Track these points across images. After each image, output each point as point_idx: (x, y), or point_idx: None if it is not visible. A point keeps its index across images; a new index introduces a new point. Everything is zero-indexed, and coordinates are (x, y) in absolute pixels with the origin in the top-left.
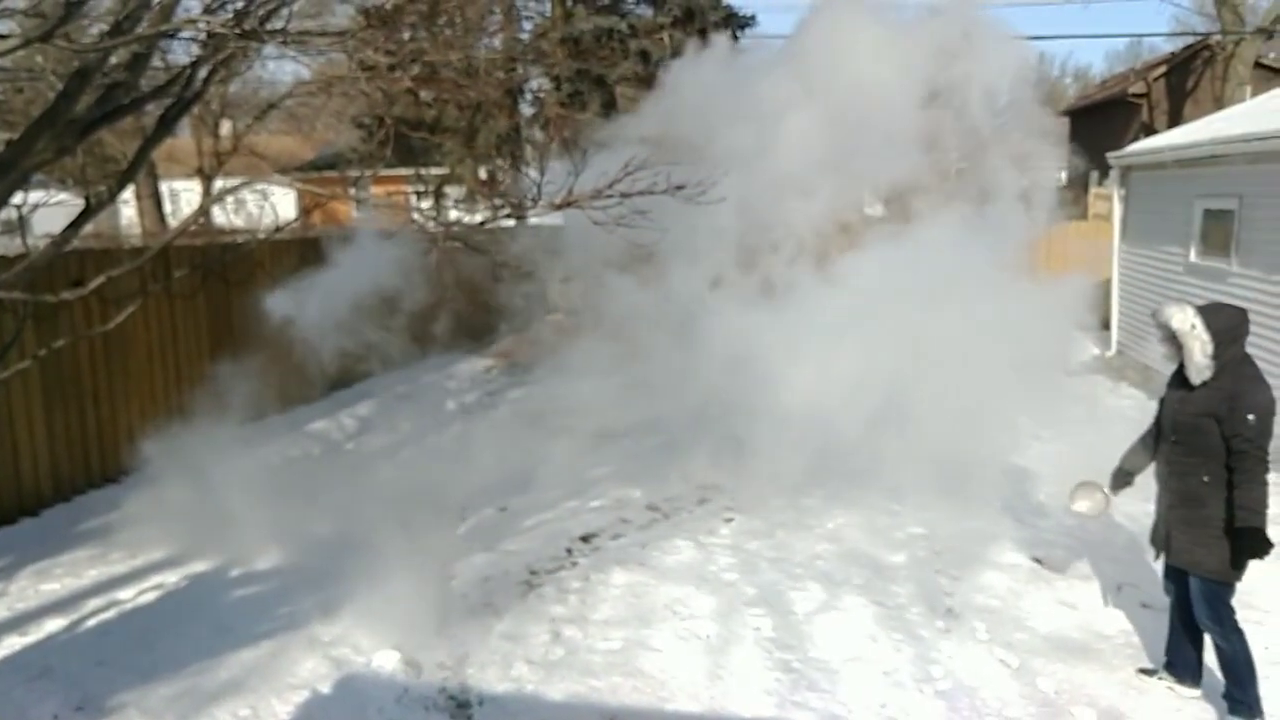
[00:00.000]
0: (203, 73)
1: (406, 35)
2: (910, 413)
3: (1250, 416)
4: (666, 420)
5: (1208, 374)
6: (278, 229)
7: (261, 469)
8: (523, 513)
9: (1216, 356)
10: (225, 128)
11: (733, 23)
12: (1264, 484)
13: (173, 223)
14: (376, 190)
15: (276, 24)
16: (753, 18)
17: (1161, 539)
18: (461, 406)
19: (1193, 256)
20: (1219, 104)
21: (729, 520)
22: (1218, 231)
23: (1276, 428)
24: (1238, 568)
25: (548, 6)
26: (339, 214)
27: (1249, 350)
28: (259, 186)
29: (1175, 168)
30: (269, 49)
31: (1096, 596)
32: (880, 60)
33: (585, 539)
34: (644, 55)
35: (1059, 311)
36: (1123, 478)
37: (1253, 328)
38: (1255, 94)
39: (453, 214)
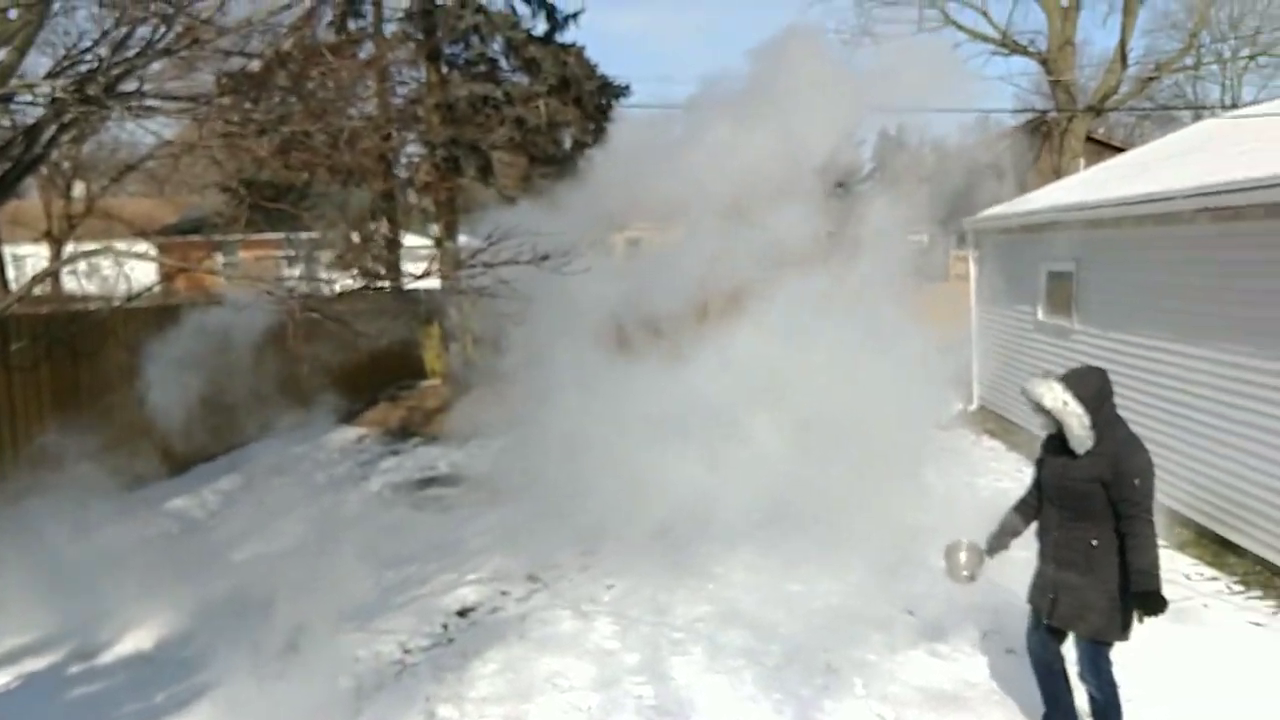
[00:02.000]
0: (46, 135)
1: (275, 99)
2: (785, 470)
3: (1136, 481)
4: (547, 486)
5: (1089, 443)
6: (132, 296)
7: (111, 551)
8: (395, 588)
9: (1094, 425)
10: (78, 189)
11: (607, 92)
12: (1155, 546)
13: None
14: (245, 255)
15: (129, 86)
16: (627, 88)
17: (1048, 602)
18: (331, 479)
19: (1040, 315)
20: (1057, 175)
21: (610, 587)
22: (1060, 292)
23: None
24: (1127, 628)
25: (423, 72)
26: (203, 280)
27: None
28: (115, 251)
29: (1020, 233)
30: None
31: (965, 646)
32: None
33: (462, 614)
34: (520, 122)
35: (926, 369)
36: (1000, 541)
37: None
38: (1088, 165)
39: (323, 280)
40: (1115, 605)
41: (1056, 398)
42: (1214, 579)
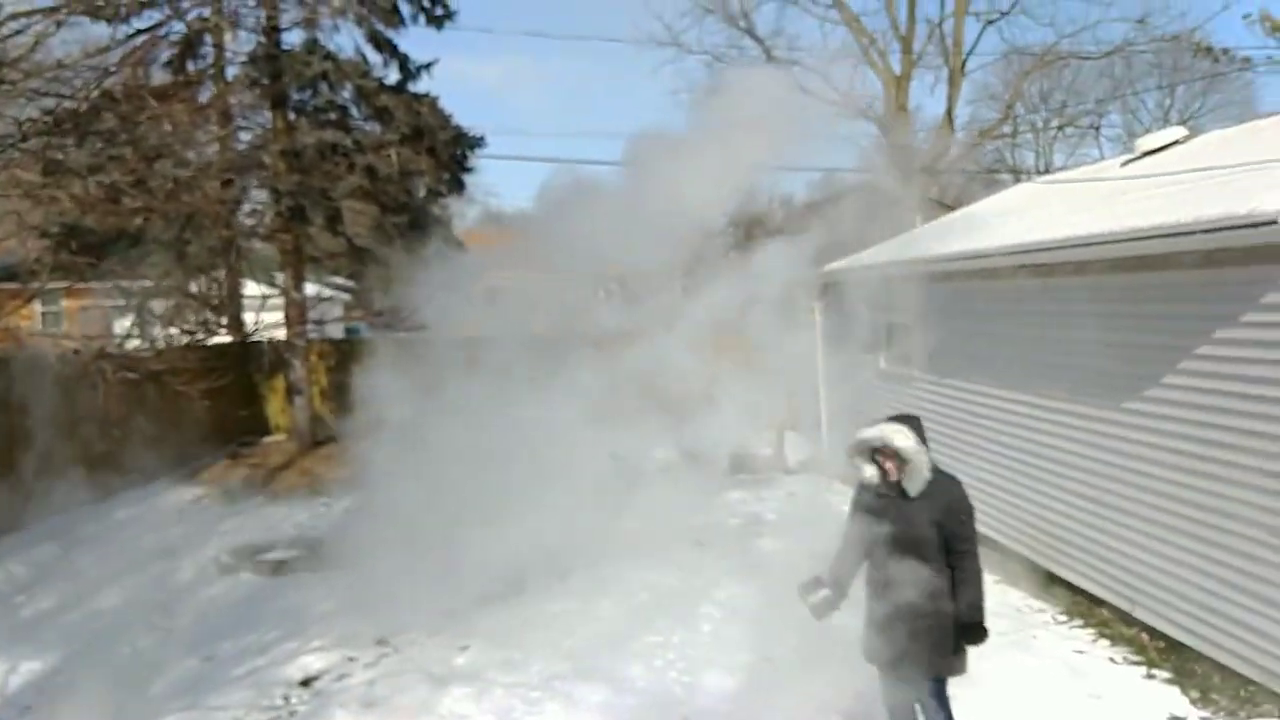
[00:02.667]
0: None
1: (100, 143)
2: (640, 515)
3: (963, 518)
4: (398, 545)
5: (924, 485)
6: None
7: None
8: (232, 660)
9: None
10: None
11: (462, 143)
12: (982, 580)
13: None
14: (69, 305)
15: None
16: (482, 139)
17: (885, 652)
18: (163, 544)
19: (883, 363)
20: (896, 231)
21: (464, 649)
22: (900, 342)
23: None
24: (964, 660)
25: (268, 118)
26: (16, 333)
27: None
28: None
29: (862, 287)
30: None
31: (821, 688)
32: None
33: (305, 683)
34: (370, 171)
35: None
36: (838, 597)
37: (928, 424)
38: (923, 222)
39: (151, 333)
40: (952, 640)
41: (908, 439)
42: (1041, 610)
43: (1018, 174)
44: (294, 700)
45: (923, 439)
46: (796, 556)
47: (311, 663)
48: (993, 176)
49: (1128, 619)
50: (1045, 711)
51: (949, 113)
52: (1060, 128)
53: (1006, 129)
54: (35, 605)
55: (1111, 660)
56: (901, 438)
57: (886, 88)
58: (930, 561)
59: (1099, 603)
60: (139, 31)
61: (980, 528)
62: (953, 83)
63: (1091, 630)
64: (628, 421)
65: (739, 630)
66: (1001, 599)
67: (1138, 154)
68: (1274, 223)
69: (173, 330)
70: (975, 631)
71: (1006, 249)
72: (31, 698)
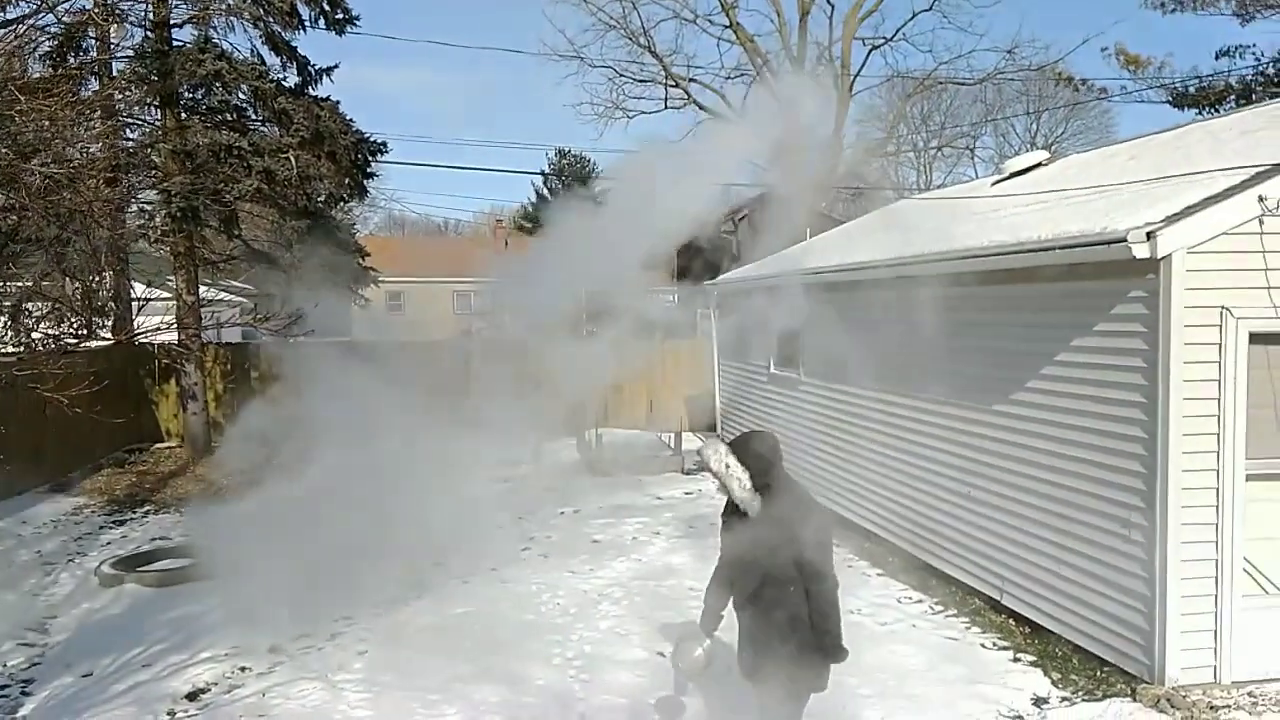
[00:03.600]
0: None
1: None
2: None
3: (810, 546)
4: (294, 552)
5: (756, 505)
6: None
7: None
8: (111, 676)
9: (758, 489)
10: None
11: (364, 148)
12: (836, 604)
13: None
14: None
15: None
16: (384, 144)
17: (747, 669)
18: (40, 555)
19: (773, 368)
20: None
21: (363, 653)
22: (788, 347)
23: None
24: (822, 678)
25: (158, 116)
26: None
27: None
28: None
29: (754, 294)
30: None
31: (713, 686)
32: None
33: (192, 696)
34: (269, 174)
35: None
36: (710, 622)
37: (813, 425)
38: (813, 234)
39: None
40: (811, 662)
41: (720, 459)
42: (919, 601)
43: (900, 191)
44: (179, 715)
45: (762, 459)
46: (689, 557)
47: (200, 675)
48: (878, 192)
49: (997, 606)
50: (923, 695)
51: (837, 130)
52: (939, 148)
53: (889, 147)
54: None
55: (983, 646)
56: (716, 459)
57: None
58: (781, 585)
59: (972, 592)
60: (9, 22)
61: (863, 523)
62: (841, 103)
63: (964, 618)
64: (534, 424)
65: (636, 627)
66: (884, 591)
67: (1005, 174)
68: (1123, 240)
69: (49, 334)
70: (834, 655)
71: (884, 261)
72: None
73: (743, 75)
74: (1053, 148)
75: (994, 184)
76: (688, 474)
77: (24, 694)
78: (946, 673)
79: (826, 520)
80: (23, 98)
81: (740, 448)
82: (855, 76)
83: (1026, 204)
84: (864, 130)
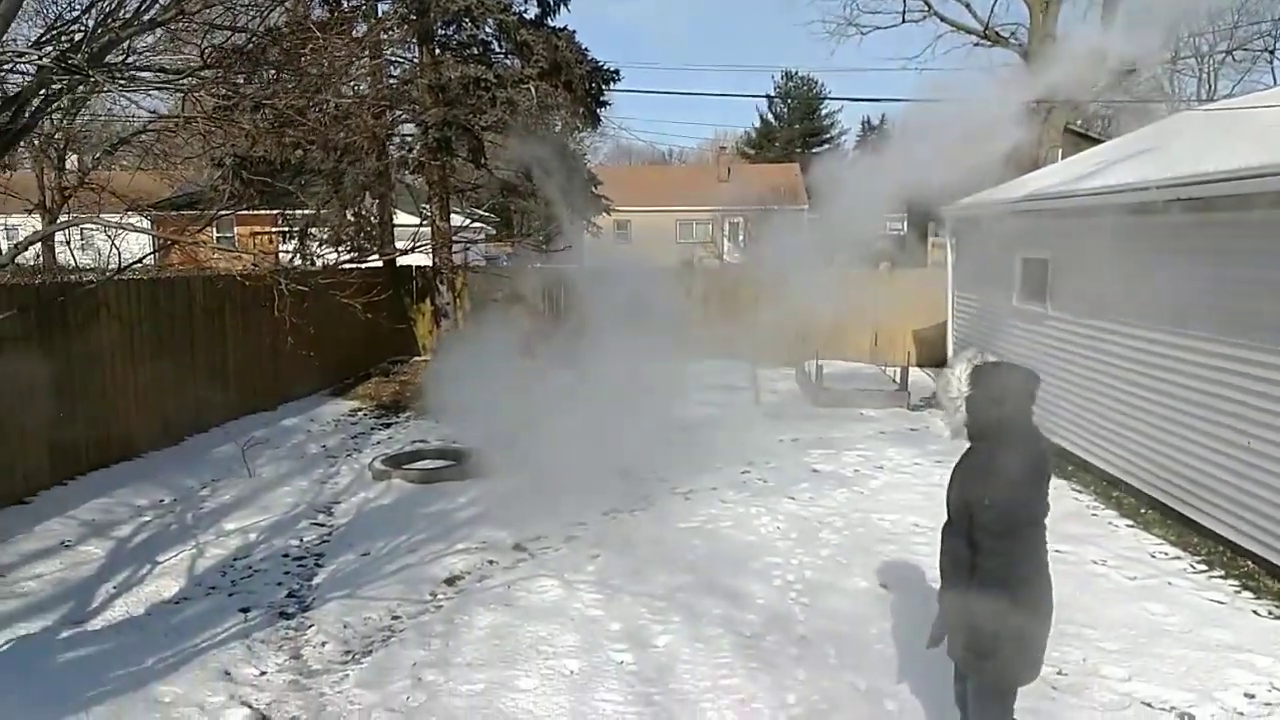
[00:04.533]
0: (32, 105)
1: (268, 74)
2: (758, 442)
3: (985, 501)
4: (536, 459)
5: (956, 431)
6: (123, 268)
7: (102, 525)
8: (384, 558)
9: (972, 424)
10: (71, 162)
11: (597, 77)
12: (985, 590)
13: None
14: (241, 231)
15: (116, 58)
16: (616, 73)
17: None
18: (325, 450)
19: (1015, 301)
20: (1035, 164)
21: (595, 557)
22: (1035, 278)
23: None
24: (1008, 670)
25: (416, 53)
26: (196, 254)
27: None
28: (104, 221)
29: (996, 221)
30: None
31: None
32: None
33: (449, 582)
34: (511, 104)
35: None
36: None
37: (1062, 364)
38: (1065, 155)
39: (315, 255)
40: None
41: (958, 360)
42: (1177, 558)
43: (1176, 104)
44: (439, 596)
45: (992, 391)
46: (901, 490)
47: (455, 564)
48: (1146, 107)
49: (1276, 571)
50: (1179, 658)
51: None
52: (1229, 52)
53: (1166, 54)
54: (217, 499)
55: (1255, 613)
56: (948, 373)
57: (1033, 13)
58: (966, 540)
59: (1243, 553)
60: None
61: (1109, 469)
62: (1107, 4)
63: (1234, 581)
64: (759, 354)
65: (858, 558)
66: (1134, 544)
67: None
68: None
69: (333, 252)
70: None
71: (1160, 181)
72: (215, 579)
73: None
74: None
75: None
76: (914, 409)
77: (317, 566)
78: (1208, 637)
79: (1015, 490)
80: (318, 34)
81: (977, 372)
82: None
83: None
84: (1135, 35)
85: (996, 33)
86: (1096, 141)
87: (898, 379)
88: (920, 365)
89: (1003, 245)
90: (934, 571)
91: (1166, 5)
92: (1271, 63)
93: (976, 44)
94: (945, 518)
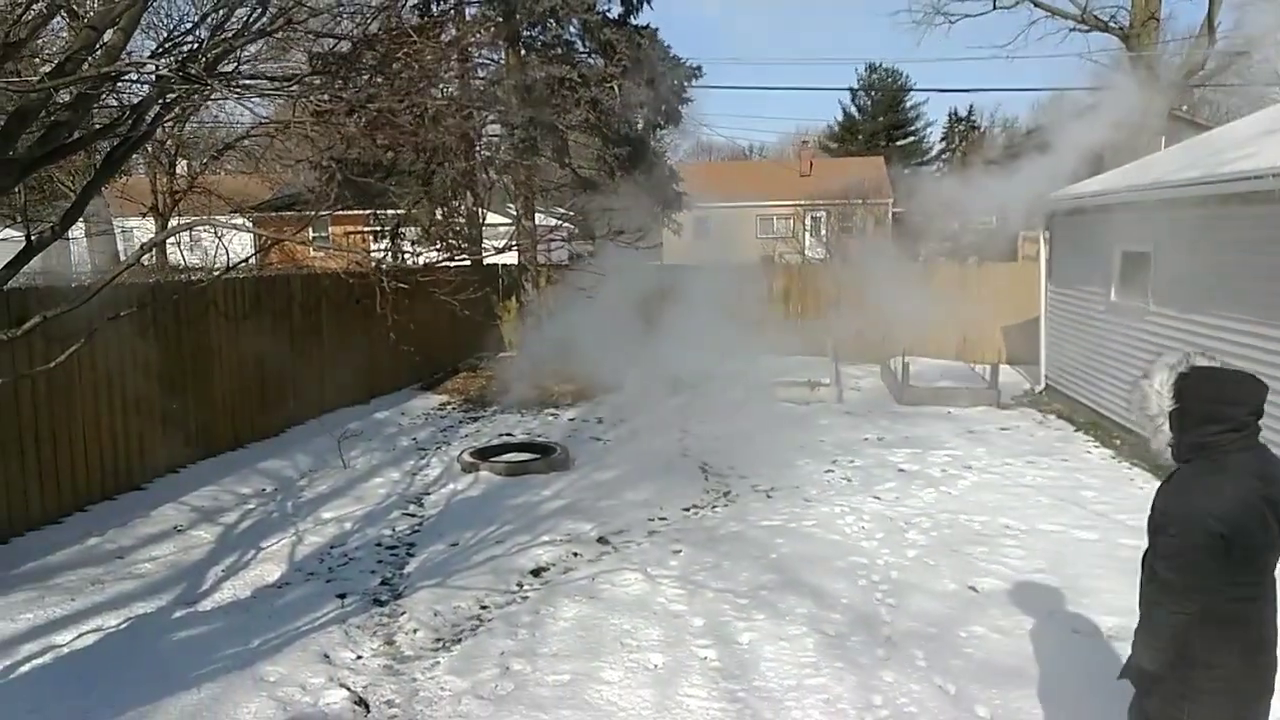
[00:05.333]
0: (150, 113)
1: (364, 79)
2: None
3: (1171, 530)
4: (618, 454)
5: (1161, 449)
6: (229, 267)
7: (210, 511)
8: (473, 548)
9: (1179, 444)
10: (181, 166)
11: (679, 74)
12: (1158, 625)
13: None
14: (335, 230)
15: (227, 67)
16: (699, 69)
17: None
18: (415, 442)
19: (1113, 296)
20: (1136, 153)
21: (677, 552)
22: (1136, 272)
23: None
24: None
25: (502, 55)
26: (296, 253)
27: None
28: (214, 222)
29: (1095, 213)
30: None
31: (1029, 623)
32: None
33: (535, 573)
34: (594, 104)
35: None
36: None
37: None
38: (1168, 144)
39: (408, 254)
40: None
41: (1156, 367)
42: None
43: None
44: (526, 587)
45: (1205, 408)
46: (993, 489)
47: (541, 555)
48: (1260, 91)
49: None
50: None
51: (1209, 18)
52: None
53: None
54: (315, 489)
55: None
56: (1143, 385)
57: None
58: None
59: None
60: None
61: None
62: None
63: None
64: (842, 350)
65: (945, 559)
66: None
67: None
68: None
69: (424, 251)
70: (1125, 672)
71: (1275, 169)
72: (314, 566)
73: None
74: None
75: None
76: (1004, 408)
77: (409, 555)
78: None
79: (1201, 520)
80: (414, 37)
81: (1184, 377)
82: None
83: None
84: (1247, 15)
85: (1095, 16)
86: (1204, 128)
87: (987, 377)
88: (1010, 363)
89: (1100, 238)
90: (1025, 575)
91: None
92: None
93: (1073, 29)
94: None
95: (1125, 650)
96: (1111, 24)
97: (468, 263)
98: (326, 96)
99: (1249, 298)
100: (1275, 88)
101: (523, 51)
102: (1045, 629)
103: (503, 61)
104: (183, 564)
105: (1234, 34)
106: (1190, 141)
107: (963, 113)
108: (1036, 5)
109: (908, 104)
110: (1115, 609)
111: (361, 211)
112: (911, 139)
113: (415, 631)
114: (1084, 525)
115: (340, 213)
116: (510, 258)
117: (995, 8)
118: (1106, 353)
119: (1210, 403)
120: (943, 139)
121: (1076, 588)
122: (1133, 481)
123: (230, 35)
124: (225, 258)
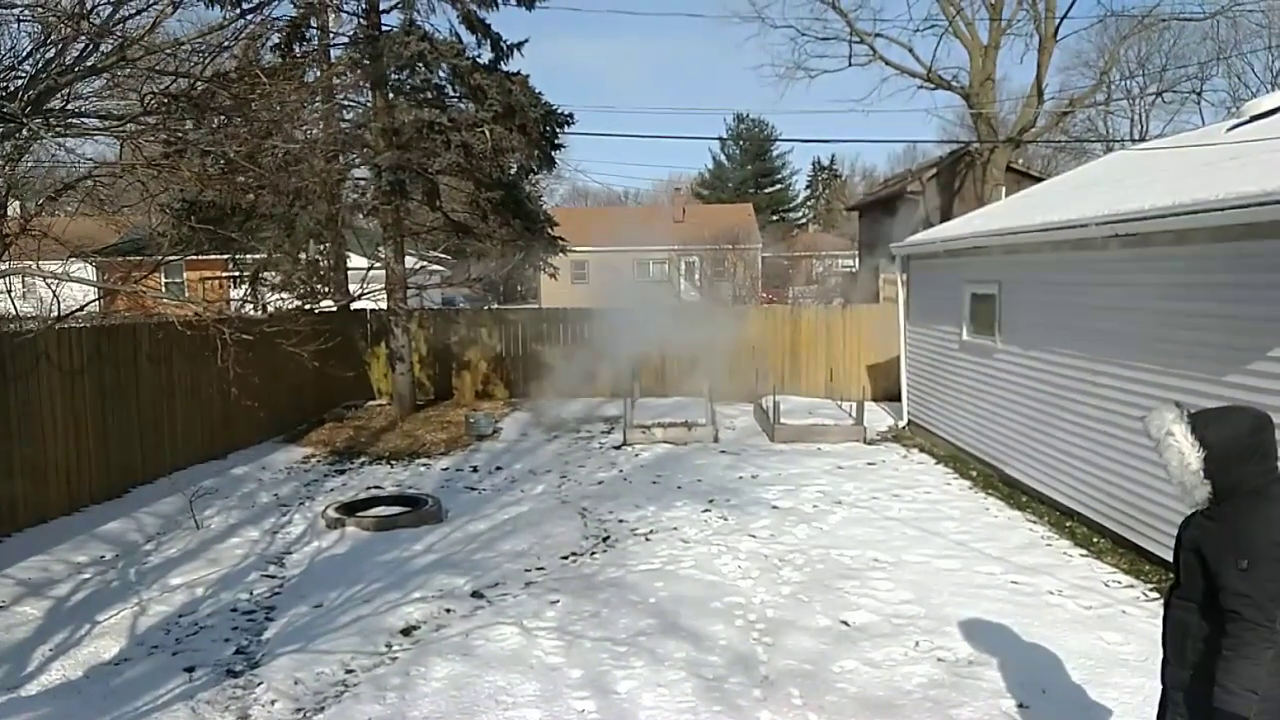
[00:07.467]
0: None
1: (219, 119)
2: (712, 480)
3: (1243, 564)
4: (494, 503)
5: (1201, 495)
6: (64, 316)
7: (38, 584)
8: (338, 609)
9: (1211, 476)
10: (14, 208)
11: (551, 120)
12: (1256, 666)
13: None
14: (191, 276)
15: (55, 104)
16: (570, 116)
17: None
18: (277, 498)
19: (965, 335)
20: (980, 202)
21: (555, 602)
22: (984, 312)
23: None
24: None
25: (369, 97)
26: (143, 301)
27: None
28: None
29: (946, 257)
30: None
31: (898, 654)
32: None
33: (405, 632)
34: (465, 148)
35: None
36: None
37: (1009, 395)
38: (1009, 193)
39: (264, 301)
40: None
41: (1162, 425)
42: (1130, 586)
43: (1110, 143)
44: (395, 647)
45: (1230, 442)
46: (863, 526)
47: (411, 613)
48: (1083, 146)
49: None
50: (1135, 688)
51: (1038, 81)
52: (1159, 94)
53: (1099, 96)
54: (162, 553)
55: None
56: (1156, 423)
57: (973, 58)
58: (1200, 607)
59: None
60: (247, 10)
61: (1060, 498)
62: (1043, 49)
63: None
64: (712, 389)
65: (819, 595)
66: (1088, 573)
67: (1245, 118)
68: None
69: (283, 297)
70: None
71: (1099, 219)
72: (159, 638)
73: (933, 27)
74: None
75: (1230, 129)
76: (870, 444)
77: (268, 619)
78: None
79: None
80: (265, 81)
81: (1201, 420)
82: (1061, 20)
83: (1273, 150)
84: (1069, 79)
85: (939, 76)
86: (1037, 179)
87: (853, 413)
88: (875, 400)
89: (951, 281)
90: (893, 607)
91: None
92: (1199, 103)
93: (920, 87)
94: (1172, 582)
95: (989, 675)
96: (954, 83)
97: (333, 308)
98: (164, 136)
99: (1079, 336)
100: (1096, 143)
101: (390, 94)
102: (912, 659)
103: (370, 104)
104: (4, 645)
105: (1060, 95)
106: (1029, 191)
107: (825, 162)
108: (887, 64)
109: (774, 153)
110: (975, 635)
111: (219, 256)
112: (779, 186)
113: (273, 703)
114: (946, 555)
115: (196, 257)
116: (379, 303)
117: (850, 64)
118: (961, 389)
119: (1254, 439)
120: (808, 186)
121: (940, 616)
122: (988, 511)
123: (58, 71)
124: (57, 307)
